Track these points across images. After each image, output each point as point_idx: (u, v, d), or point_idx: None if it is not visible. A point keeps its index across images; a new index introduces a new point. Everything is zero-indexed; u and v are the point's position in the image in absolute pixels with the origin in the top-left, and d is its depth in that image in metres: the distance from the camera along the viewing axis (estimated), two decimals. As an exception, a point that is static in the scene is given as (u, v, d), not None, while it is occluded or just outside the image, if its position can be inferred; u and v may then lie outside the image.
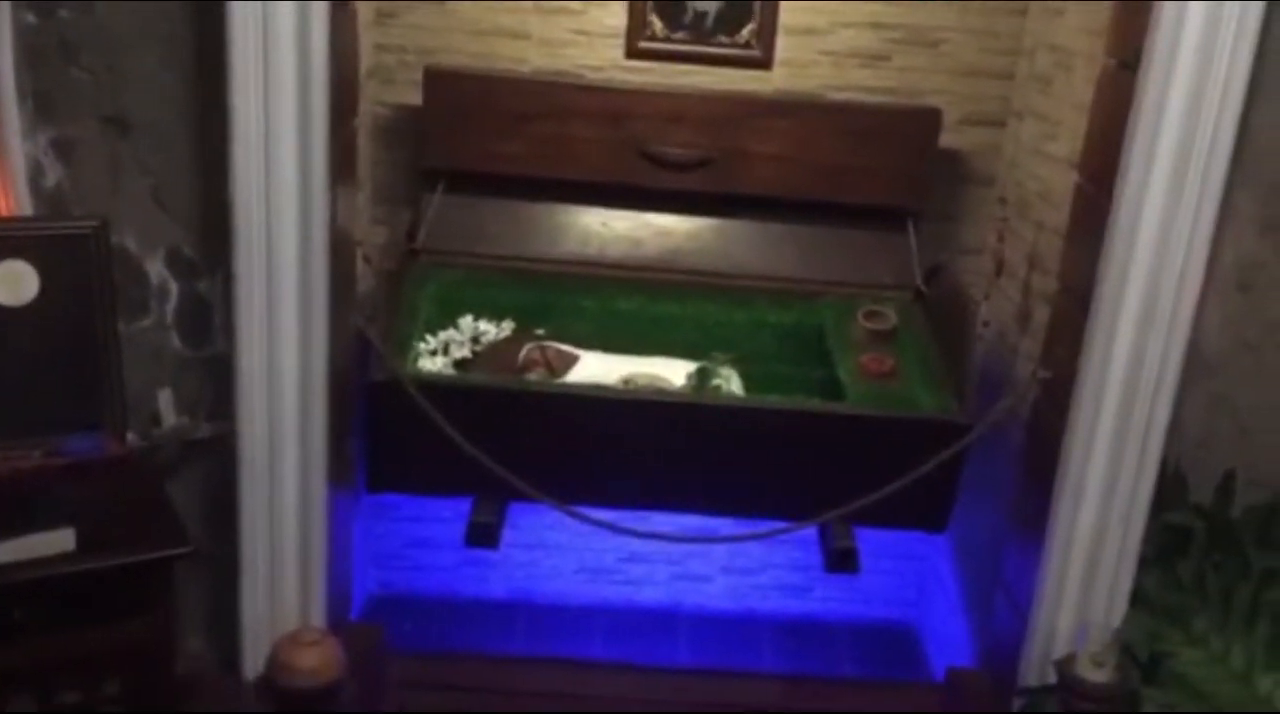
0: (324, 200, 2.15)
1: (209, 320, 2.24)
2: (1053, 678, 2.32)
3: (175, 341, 2.25)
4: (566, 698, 2.72)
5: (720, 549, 3.36)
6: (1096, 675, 2.16)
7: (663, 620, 3.41)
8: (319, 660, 2.27)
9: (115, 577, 2.03)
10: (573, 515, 2.53)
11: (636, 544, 3.22)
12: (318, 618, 2.39)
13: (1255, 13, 2.06)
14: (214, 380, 2.26)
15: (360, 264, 2.66)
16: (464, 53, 3.00)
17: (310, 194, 2.13)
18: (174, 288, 2.23)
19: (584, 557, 3.40)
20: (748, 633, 3.38)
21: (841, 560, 2.68)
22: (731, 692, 2.82)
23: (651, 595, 3.45)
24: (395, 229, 3.01)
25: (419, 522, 3.33)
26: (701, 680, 2.92)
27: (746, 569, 3.42)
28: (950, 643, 3.15)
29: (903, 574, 3.44)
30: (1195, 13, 2.07)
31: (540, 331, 2.92)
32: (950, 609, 3.18)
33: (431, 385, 2.49)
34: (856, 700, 2.81)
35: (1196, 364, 2.27)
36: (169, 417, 2.29)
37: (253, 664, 2.35)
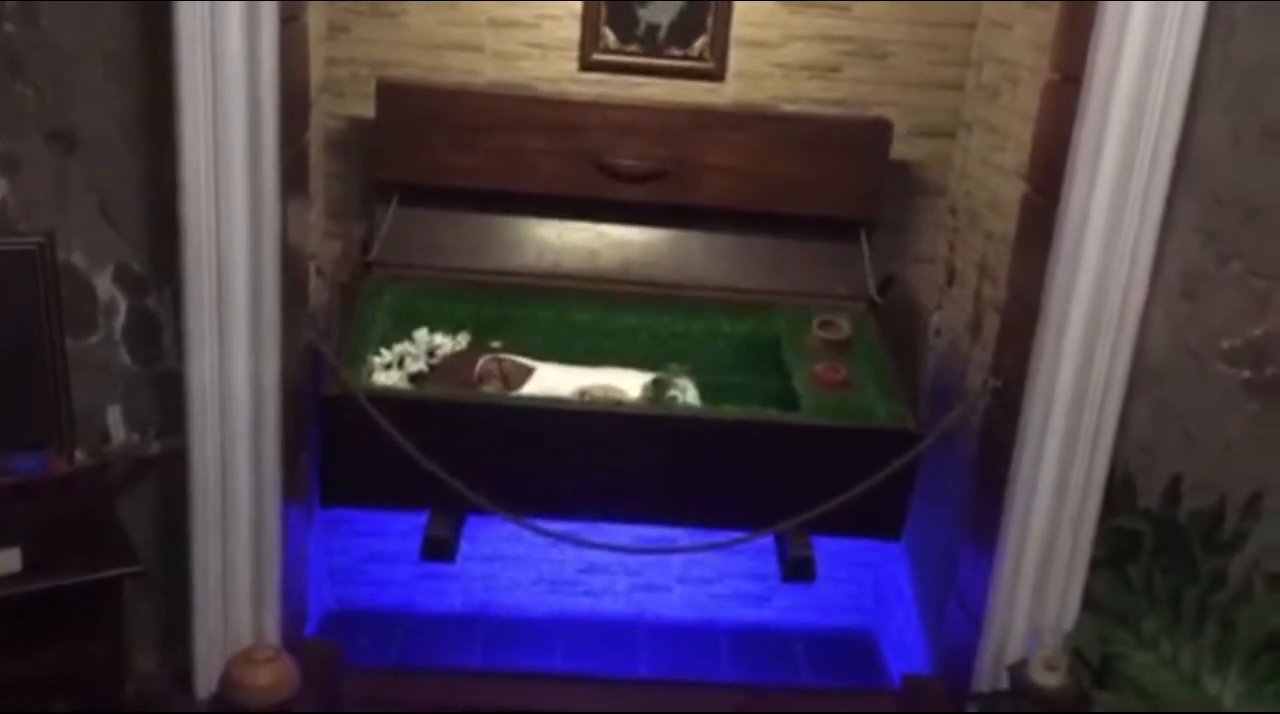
0: (275, 214, 2.14)
1: (158, 336, 2.22)
2: (1006, 683, 2.35)
3: (124, 358, 2.23)
4: (525, 712, 2.70)
5: (678, 559, 3.36)
6: (1048, 680, 2.19)
7: (622, 631, 3.41)
8: (273, 678, 2.26)
9: (64, 597, 2.00)
10: (529, 528, 2.53)
11: (595, 555, 3.22)
12: (272, 635, 2.37)
13: (1194, 28, 2.11)
14: (164, 396, 2.24)
15: (313, 278, 2.65)
16: (416, 66, 3.00)
17: (261, 208, 2.12)
18: (122, 303, 2.21)
19: (542, 569, 3.39)
20: (706, 643, 3.39)
21: (798, 569, 2.69)
22: (690, 701, 2.83)
23: (611, 606, 3.45)
24: (349, 243, 3.00)
25: (375, 536, 3.31)
26: (661, 691, 2.92)
27: (705, 579, 3.43)
28: (907, 650, 3.17)
29: (859, 582, 3.46)
30: (1136, 28, 2.10)
31: (496, 344, 2.92)
32: (907, 616, 3.21)
33: (385, 399, 2.48)
34: (814, 708, 2.83)
35: (1143, 371, 2.31)
36: (118, 434, 2.26)
37: (206, 683, 2.32)
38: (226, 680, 2.25)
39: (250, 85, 2.05)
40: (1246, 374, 2.34)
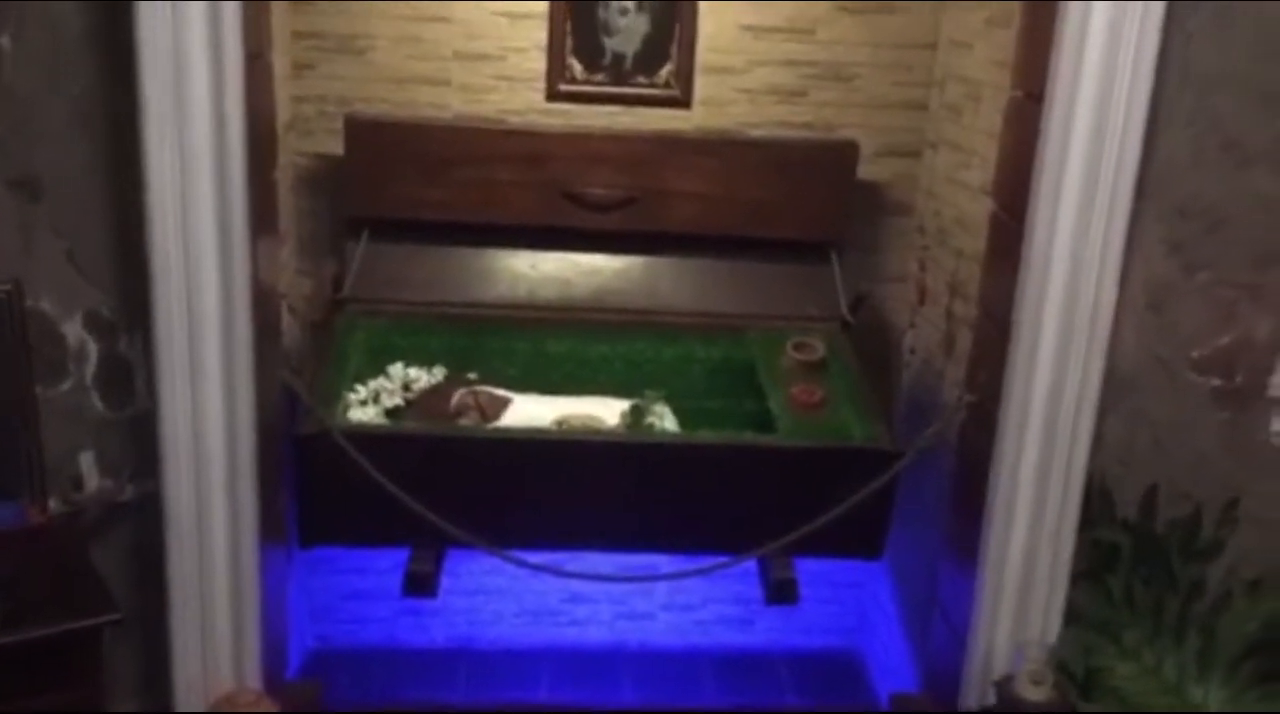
0: (245, 253, 2.13)
1: (130, 380, 2.20)
2: (993, 698, 2.35)
3: (96, 403, 2.21)
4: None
5: (662, 586, 3.36)
6: (1035, 694, 2.19)
7: (607, 661, 3.40)
8: (255, 722, 2.24)
9: (42, 648, 1.97)
10: (510, 560, 2.51)
11: (578, 585, 3.21)
12: (253, 678, 2.34)
13: (1151, 42, 2.13)
14: (137, 440, 2.21)
15: (286, 316, 2.64)
16: (384, 101, 3.00)
17: (230, 247, 2.11)
18: (93, 349, 2.19)
19: (525, 600, 3.38)
20: (692, 669, 3.38)
21: (781, 592, 2.69)
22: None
23: (595, 636, 3.44)
24: (320, 280, 2.99)
25: (356, 573, 3.29)
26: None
27: (688, 605, 3.43)
28: (893, 668, 3.17)
29: (843, 602, 3.46)
30: (1094, 43, 2.13)
31: (472, 376, 2.92)
32: (891, 635, 3.21)
33: (361, 436, 2.47)
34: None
35: (1114, 383, 2.32)
36: (92, 480, 2.24)
37: (187, 731, 2.29)
38: (208, 727, 2.23)
39: (216, 125, 2.05)
40: (1216, 383, 2.36)
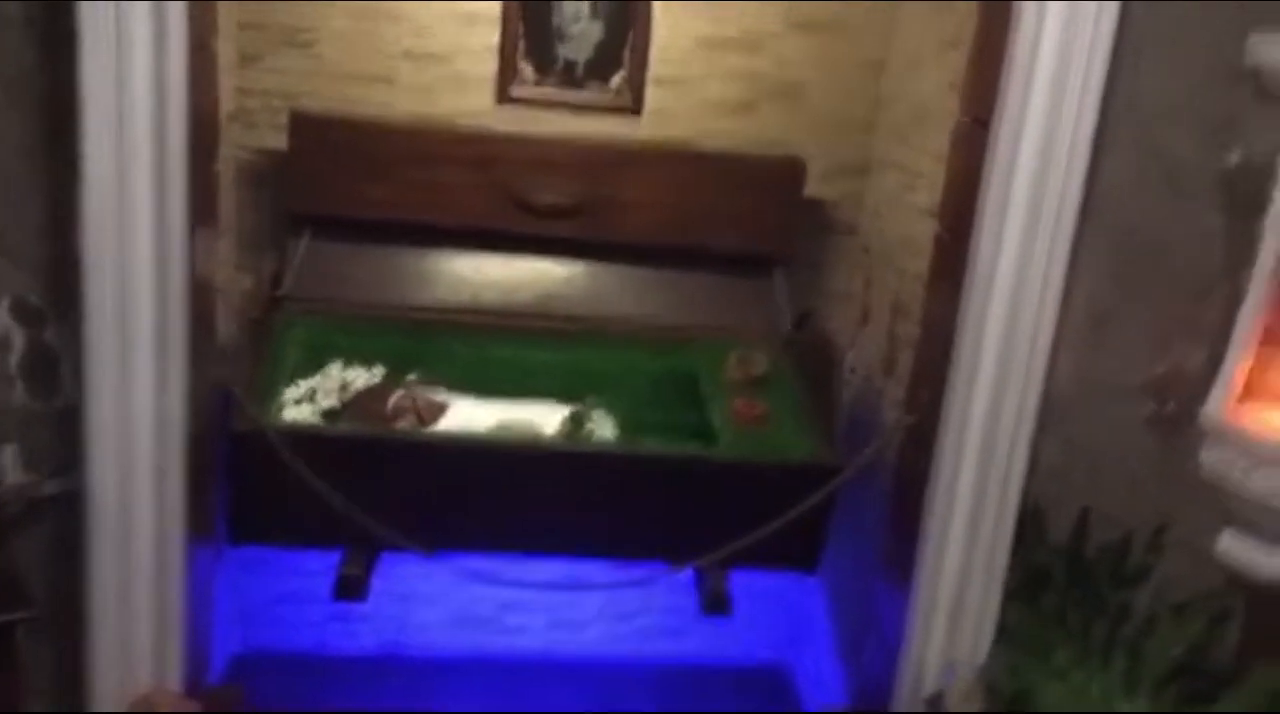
0: (182, 245, 2.08)
1: (56, 371, 2.14)
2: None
3: (20, 394, 2.14)
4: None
5: (597, 595, 3.34)
6: (966, 708, 2.20)
7: (540, 669, 3.37)
8: (174, 726, 2.18)
9: (-48, 645, 1.91)
10: (445, 565, 2.48)
11: (512, 592, 3.17)
12: (174, 680, 2.28)
13: (1098, 74, 2.17)
14: (62, 434, 2.15)
15: (222, 311, 2.58)
16: (330, 97, 2.96)
17: (167, 239, 2.06)
18: (18, 337, 2.12)
19: (458, 607, 3.34)
20: (625, 679, 3.37)
21: (715, 603, 2.68)
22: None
23: (528, 644, 3.41)
24: (260, 276, 2.93)
25: (285, 575, 3.23)
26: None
27: (623, 614, 3.41)
28: (824, 684, 3.18)
29: (777, 616, 3.47)
30: (1043, 72, 2.15)
31: (411, 378, 2.87)
32: (824, 650, 3.21)
33: (295, 435, 2.42)
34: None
35: (1052, 407, 2.35)
36: (13, 473, 2.16)
37: (104, 733, 2.23)
38: (126, 730, 2.17)
39: (157, 114, 2.00)
40: (1150, 410, 2.39)
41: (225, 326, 2.65)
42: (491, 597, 3.30)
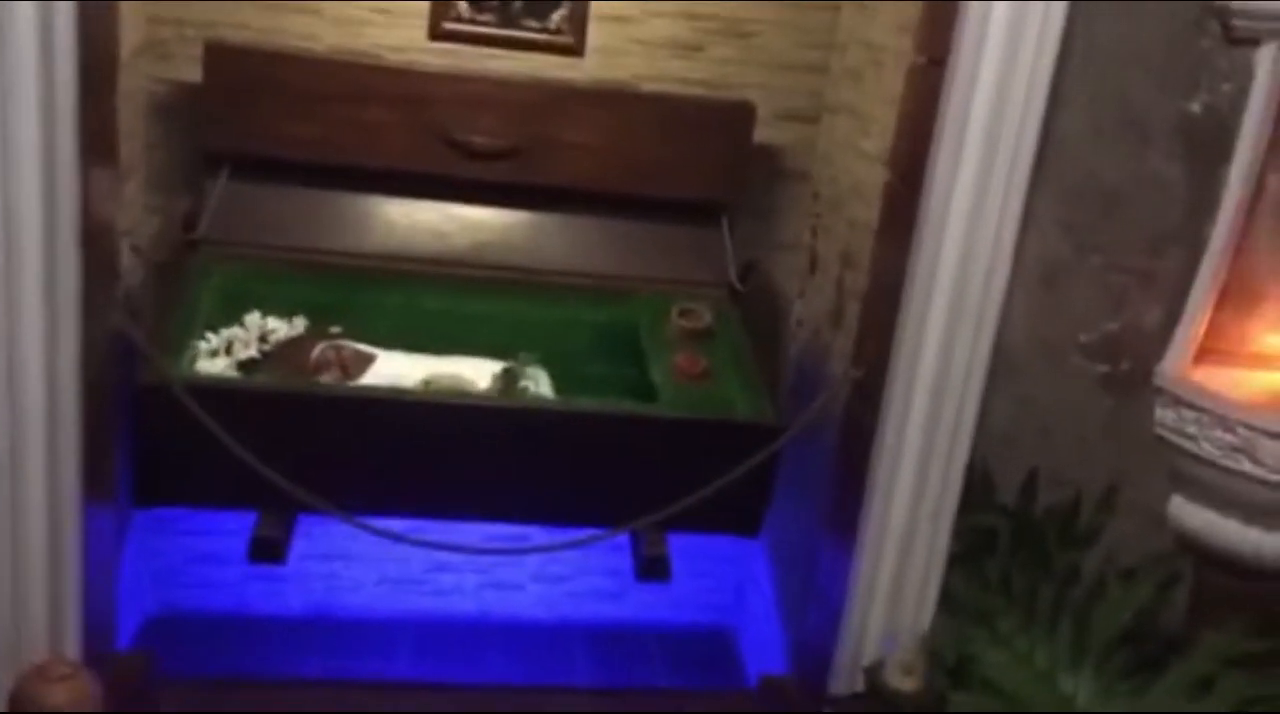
0: (72, 184, 1.91)
1: (-63, 319, 1.98)
2: (861, 684, 2.28)
3: (-101, 343, 1.98)
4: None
5: (532, 557, 3.23)
6: (904, 684, 2.12)
7: (472, 633, 3.26)
8: (69, 697, 2.03)
9: None
10: (365, 528, 2.35)
11: (443, 552, 3.06)
12: (71, 648, 2.14)
13: (1058, 13, 2.05)
14: (-55, 387, 1.99)
15: (128, 256, 2.42)
16: (250, 28, 2.78)
17: (55, 178, 1.89)
18: (-107, 283, 1.96)
19: (387, 567, 3.22)
20: (561, 643, 3.27)
21: (652, 568, 2.58)
22: (539, 705, 2.69)
23: (460, 606, 3.30)
24: (169, 218, 2.75)
25: (202, 535, 3.08)
26: (509, 696, 2.78)
27: (559, 576, 3.31)
28: (766, 648, 3.10)
29: (719, 578, 3.38)
30: (1000, 15, 2.05)
31: (335, 330, 2.73)
32: (766, 613, 3.13)
33: (205, 389, 2.27)
34: (666, 710, 2.72)
35: (1002, 363, 2.26)
36: (-109, 430, 2.01)
37: (-4, 703, 2.09)
38: (17, 700, 2.02)
39: (42, 43, 1.82)
40: (1103, 368, 2.31)
41: (133, 273, 2.48)
42: (423, 557, 3.18)
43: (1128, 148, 2.20)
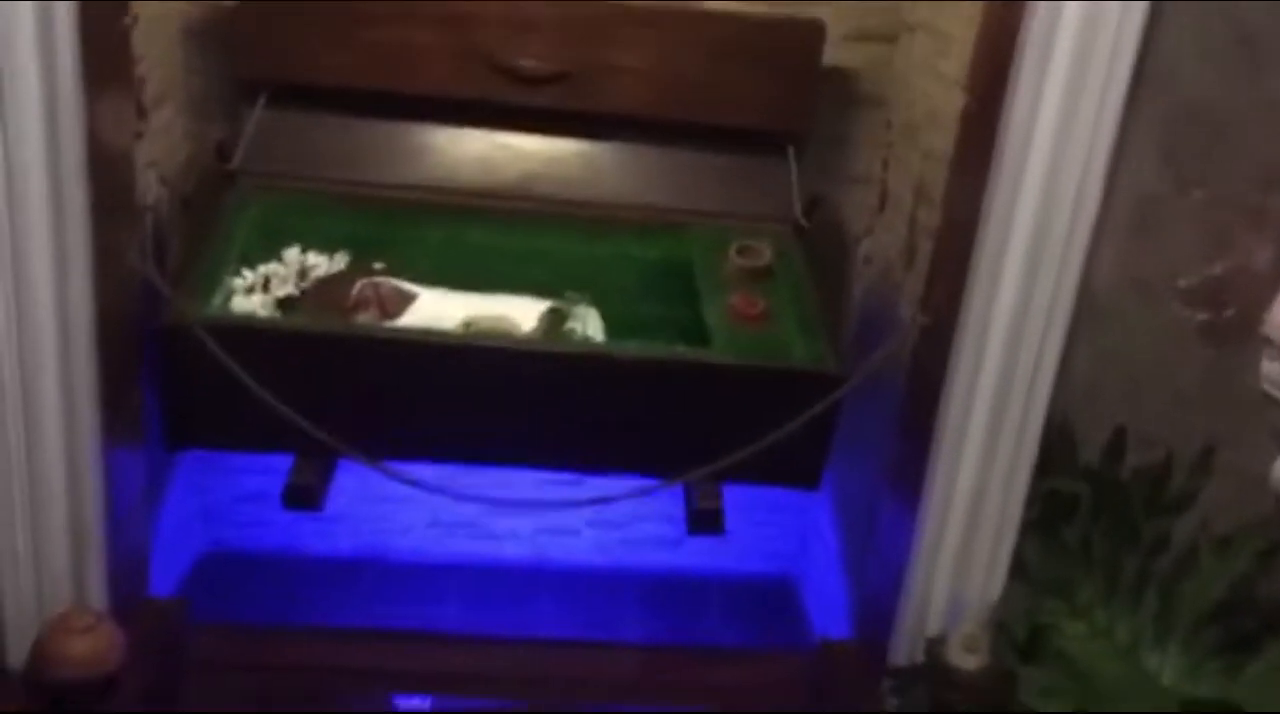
0: (76, 107, 1.80)
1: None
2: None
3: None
4: (400, 676, 2.45)
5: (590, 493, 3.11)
6: (968, 662, 1.95)
7: (524, 578, 3.17)
8: (92, 648, 1.98)
9: None
10: (399, 478, 2.24)
11: (501, 491, 2.95)
12: (96, 596, 2.08)
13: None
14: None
15: (156, 187, 2.31)
16: (286, -55, 2.62)
17: (58, 101, 1.78)
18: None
19: (438, 510, 3.13)
20: (615, 591, 3.16)
21: (704, 522, 2.43)
22: (586, 664, 2.58)
23: (514, 551, 3.20)
24: (200, 147, 2.64)
25: (254, 474, 3.01)
26: (554, 653, 2.67)
27: (615, 522, 3.18)
28: (830, 601, 2.94)
29: (782, 526, 3.22)
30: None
31: (378, 266, 2.60)
32: (829, 565, 2.97)
33: (231, 329, 2.17)
34: (719, 674, 2.59)
35: (1087, 310, 2.04)
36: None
37: (19, 652, 2.04)
38: (38, 653, 1.97)
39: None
40: (1203, 316, 2.08)
41: (163, 206, 2.38)
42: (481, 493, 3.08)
43: (1238, 70, 1.95)
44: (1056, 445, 2.11)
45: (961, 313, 2.08)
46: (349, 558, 3.12)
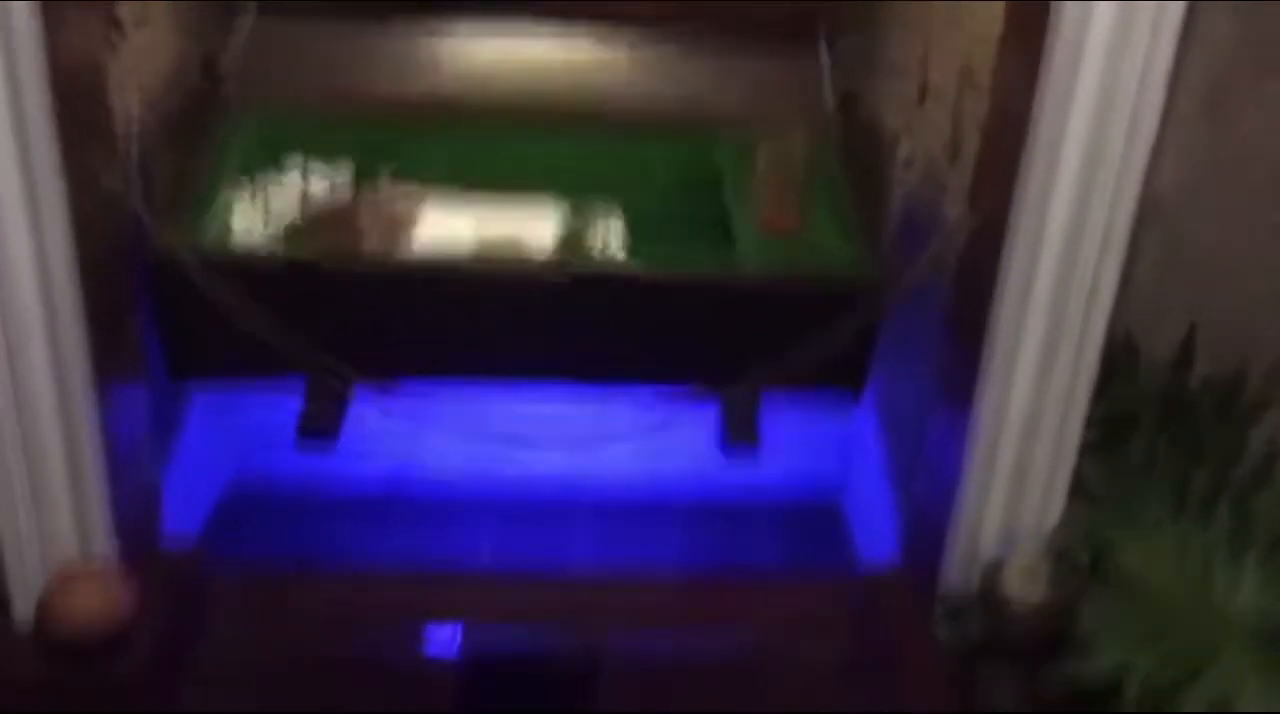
0: (30, 14, 1.64)
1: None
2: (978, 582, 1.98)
3: None
4: (428, 614, 2.35)
5: (624, 418, 2.98)
6: (1027, 594, 1.81)
7: (560, 501, 3.06)
8: (99, 603, 1.90)
9: None
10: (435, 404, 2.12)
11: (530, 414, 2.83)
12: (103, 545, 1.99)
13: None
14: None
15: (139, 108, 2.16)
16: None
17: (9, 9, 1.62)
18: None
19: (473, 430, 3.01)
20: (654, 510, 3.04)
21: (739, 433, 2.31)
22: (622, 598, 2.47)
23: (548, 470, 3.08)
24: (186, 61, 2.47)
25: (278, 405, 2.90)
26: (589, 586, 2.57)
27: (654, 442, 3.05)
28: (876, 520, 2.81)
29: (823, 440, 3.08)
30: None
31: (384, 182, 2.45)
32: (875, 482, 2.83)
33: (221, 259, 2.04)
34: (764, 600, 2.48)
35: (1153, 206, 1.85)
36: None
37: (25, 606, 1.95)
38: (42, 609, 1.88)
39: None
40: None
41: (149, 128, 2.22)
42: (508, 420, 2.96)
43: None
44: (1120, 355, 1.94)
45: (1013, 211, 1.89)
46: (381, 485, 3.01)
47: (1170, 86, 1.75)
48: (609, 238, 2.38)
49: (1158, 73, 1.75)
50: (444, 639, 2.38)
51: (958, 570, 2.08)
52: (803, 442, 3.03)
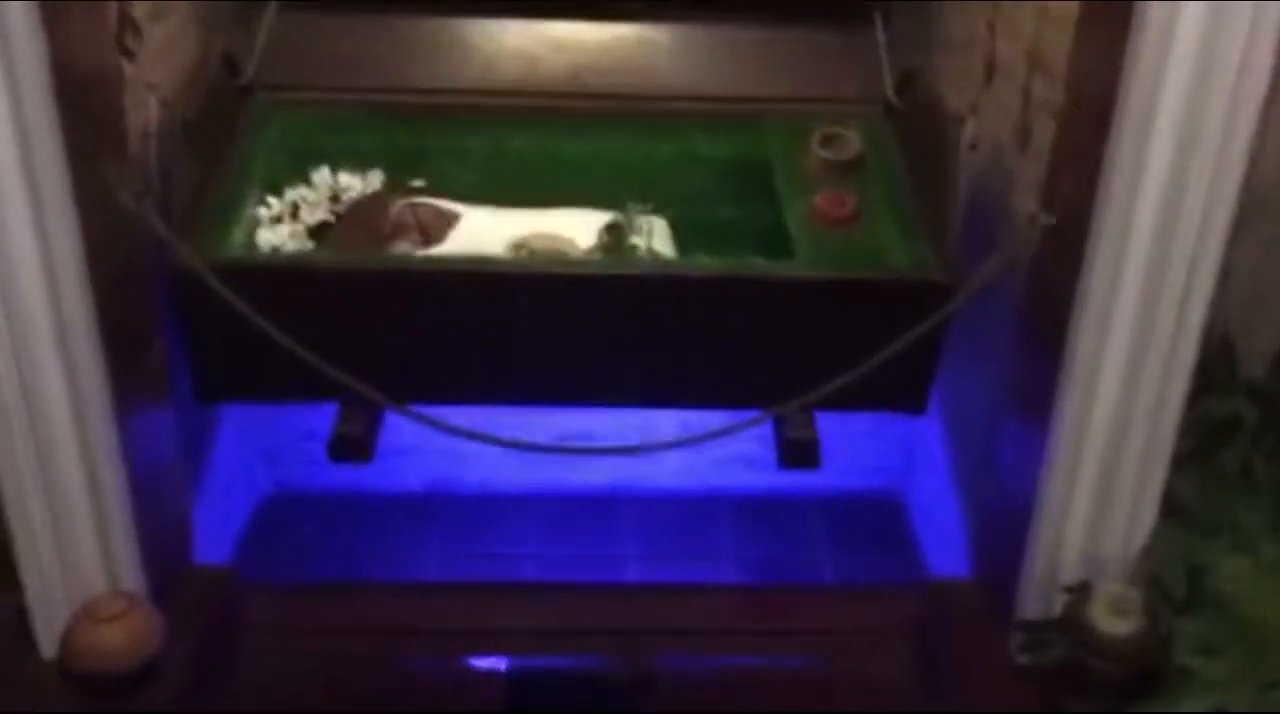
0: (28, 14, 1.53)
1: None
2: (1059, 608, 1.84)
3: None
4: (474, 634, 2.25)
5: (672, 425, 2.85)
6: (1117, 627, 1.66)
7: (607, 506, 2.95)
8: (124, 637, 1.81)
9: None
10: (449, 431, 1.99)
11: (576, 421, 2.71)
12: (127, 570, 1.90)
13: None
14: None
15: (157, 111, 2.05)
16: None
17: (6, 11, 1.51)
18: None
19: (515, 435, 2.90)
20: (706, 516, 2.93)
21: (797, 454, 2.17)
22: (677, 611, 2.36)
23: (595, 476, 2.97)
24: (204, 60, 2.36)
25: (315, 411, 2.82)
26: (641, 599, 2.46)
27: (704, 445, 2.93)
28: (941, 526, 2.67)
29: (885, 440, 2.94)
30: None
31: (416, 183, 2.32)
32: (940, 487, 2.69)
33: (246, 270, 1.93)
34: (824, 614, 2.35)
35: (1254, 200, 1.68)
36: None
37: (49, 638, 1.87)
38: (67, 644, 1.80)
39: None
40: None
41: (168, 134, 2.12)
42: (553, 427, 2.85)
43: None
44: (1216, 361, 1.78)
45: (1095, 207, 1.73)
46: (422, 491, 2.94)
47: (1275, 67, 1.59)
48: (653, 237, 2.24)
49: (1263, 46, 1.58)
50: (490, 662, 2.29)
51: (1035, 593, 1.94)
52: (864, 439, 2.90)
